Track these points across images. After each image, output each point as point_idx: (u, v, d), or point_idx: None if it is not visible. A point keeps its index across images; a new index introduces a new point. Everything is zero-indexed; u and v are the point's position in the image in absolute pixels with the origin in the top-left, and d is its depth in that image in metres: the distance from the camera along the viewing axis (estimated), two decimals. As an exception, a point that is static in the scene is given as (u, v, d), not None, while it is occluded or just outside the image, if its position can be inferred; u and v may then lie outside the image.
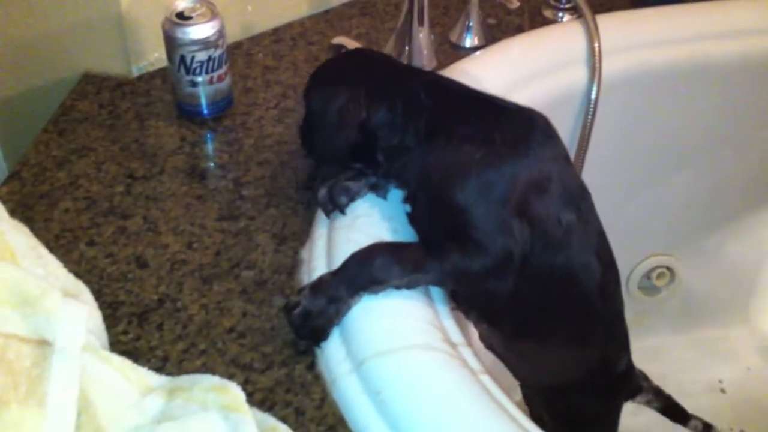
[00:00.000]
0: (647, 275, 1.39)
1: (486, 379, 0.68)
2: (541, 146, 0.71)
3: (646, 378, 0.95)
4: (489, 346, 0.85)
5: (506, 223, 0.68)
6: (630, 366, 0.89)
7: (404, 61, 1.15)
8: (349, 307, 0.69)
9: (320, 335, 0.70)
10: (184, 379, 0.63)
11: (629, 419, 0.97)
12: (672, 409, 1.00)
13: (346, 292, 0.69)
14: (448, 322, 0.73)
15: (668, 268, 1.39)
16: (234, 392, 0.61)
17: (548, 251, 0.71)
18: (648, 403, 0.97)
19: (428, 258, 0.69)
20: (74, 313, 0.56)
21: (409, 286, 0.70)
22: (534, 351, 0.82)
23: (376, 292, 0.70)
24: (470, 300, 0.76)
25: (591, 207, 0.75)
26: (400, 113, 0.74)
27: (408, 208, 0.76)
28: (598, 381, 0.85)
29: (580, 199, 0.74)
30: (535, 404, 0.95)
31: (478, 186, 0.69)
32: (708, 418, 1.03)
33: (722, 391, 1.37)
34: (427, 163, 0.72)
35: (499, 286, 0.71)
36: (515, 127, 0.72)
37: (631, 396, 0.94)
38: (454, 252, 0.68)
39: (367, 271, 0.69)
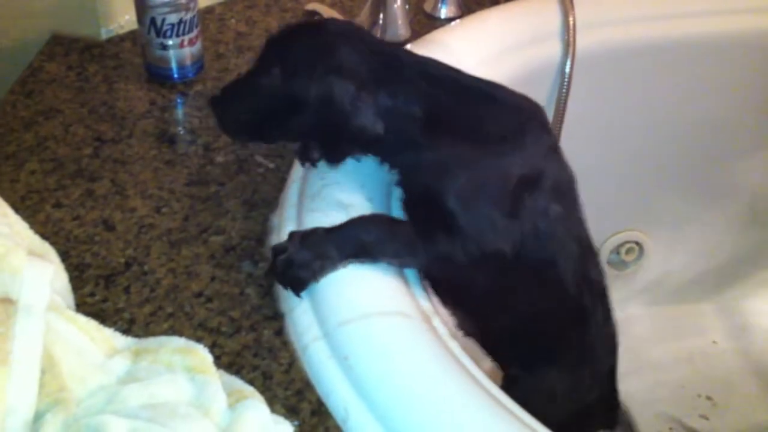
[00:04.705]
0: (616, 250, 1.40)
1: (454, 345, 0.68)
2: (534, 142, 0.72)
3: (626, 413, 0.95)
4: (462, 328, 0.83)
5: (496, 223, 0.69)
6: (614, 390, 0.88)
7: (378, 31, 1.14)
8: (334, 268, 0.69)
9: (299, 286, 0.69)
10: (151, 341, 0.62)
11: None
12: None
13: (335, 252, 0.68)
14: (419, 291, 0.73)
15: (637, 243, 1.40)
16: (201, 354, 0.61)
17: (536, 244, 0.72)
18: None
19: (418, 242, 0.69)
20: (40, 272, 0.56)
21: (397, 265, 0.71)
22: (512, 335, 0.81)
23: (363, 262, 0.70)
24: (451, 291, 0.77)
25: (576, 197, 0.76)
26: (401, 102, 0.71)
27: (400, 191, 0.75)
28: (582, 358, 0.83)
29: (567, 190, 0.75)
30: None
31: (471, 188, 0.69)
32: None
33: (690, 362, 1.39)
34: (421, 159, 0.71)
35: (483, 278, 0.72)
36: (510, 122, 0.72)
37: (609, 426, 0.91)
38: (443, 242, 0.69)
39: (361, 241, 0.69)
